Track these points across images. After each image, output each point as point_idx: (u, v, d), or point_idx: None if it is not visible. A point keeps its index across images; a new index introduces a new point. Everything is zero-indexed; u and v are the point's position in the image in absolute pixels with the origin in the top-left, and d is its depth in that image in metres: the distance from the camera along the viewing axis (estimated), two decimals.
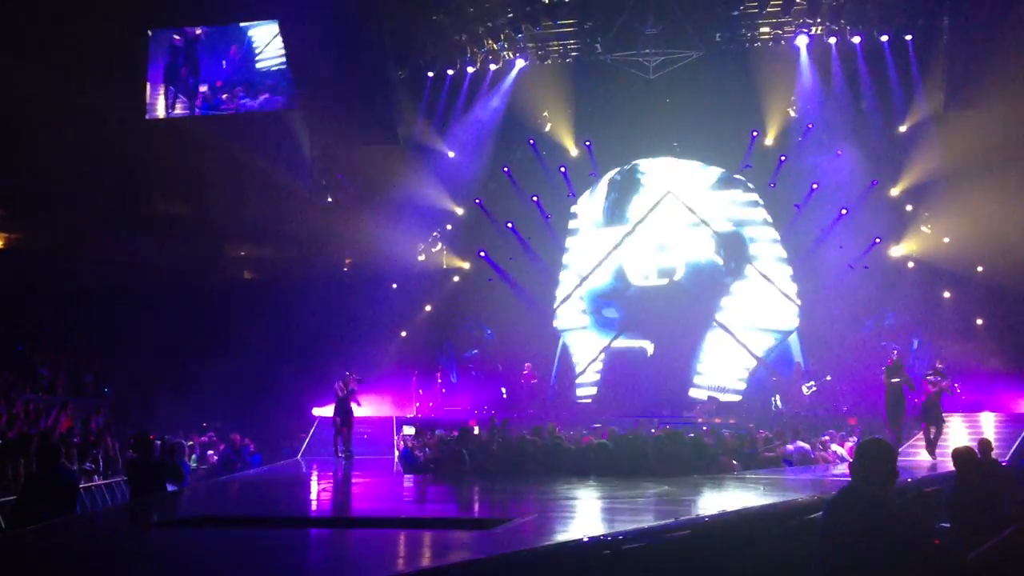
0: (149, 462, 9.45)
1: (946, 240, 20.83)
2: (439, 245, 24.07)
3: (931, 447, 13.86)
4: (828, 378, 19.88)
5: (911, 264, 21.37)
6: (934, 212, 20.87)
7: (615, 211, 22.93)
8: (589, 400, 21.17)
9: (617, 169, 23.14)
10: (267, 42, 19.39)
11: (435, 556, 5.66)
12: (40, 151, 20.88)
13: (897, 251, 21.49)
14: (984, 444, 10.27)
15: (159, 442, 10.76)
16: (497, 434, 14.48)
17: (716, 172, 22.56)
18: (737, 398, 20.77)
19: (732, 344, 21.43)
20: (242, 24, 20.90)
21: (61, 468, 7.91)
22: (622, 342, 21.80)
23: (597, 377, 21.77)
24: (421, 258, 23.61)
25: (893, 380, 14.49)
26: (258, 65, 20.18)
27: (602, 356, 21.86)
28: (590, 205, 23.33)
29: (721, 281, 21.97)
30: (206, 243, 24.20)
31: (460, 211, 23.50)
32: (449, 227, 23.81)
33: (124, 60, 21.55)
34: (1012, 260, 19.20)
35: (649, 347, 21.50)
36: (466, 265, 23.66)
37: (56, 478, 7.67)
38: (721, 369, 21.34)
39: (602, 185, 23.21)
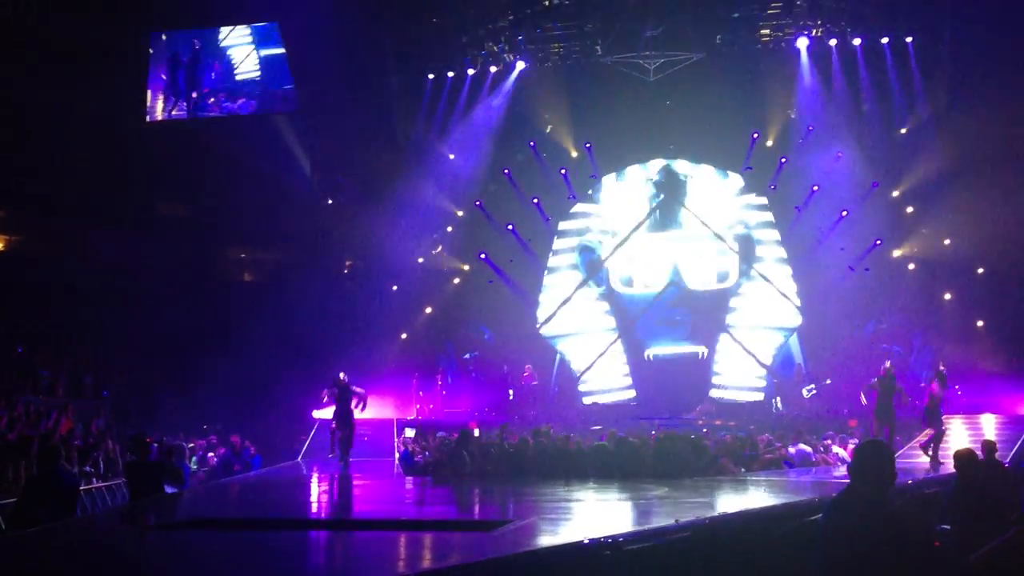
0: (146, 464, 9.43)
1: (947, 242, 20.83)
2: (439, 247, 24.04)
3: (933, 452, 13.80)
4: (828, 381, 19.85)
5: (912, 266, 21.36)
6: (935, 214, 20.85)
7: (667, 215, 22.10)
8: (635, 404, 20.78)
9: (641, 166, 22.45)
10: (241, 60, 22.63)
11: (435, 558, 5.65)
12: (41, 153, 20.90)
13: (898, 253, 21.47)
14: (989, 445, 10.19)
15: (156, 444, 10.75)
16: (497, 438, 14.45)
17: (739, 178, 22.20)
18: (760, 396, 20.61)
19: (750, 345, 21.15)
20: (221, 44, 22.79)
21: (61, 471, 7.89)
22: (684, 347, 21.25)
23: (629, 380, 21.33)
24: (421, 260, 23.54)
25: (883, 400, 14.21)
26: (237, 77, 22.74)
27: (639, 359, 21.36)
28: (630, 206, 22.25)
29: (736, 282, 21.86)
30: (207, 245, 24.20)
31: (460, 213, 23.50)
32: (449, 229, 23.79)
33: (124, 63, 21.61)
34: (1013, 262, 19.18)
35: (704, 351, 21.15)
36: (466, 267, 23.63)
37: (56, 481, 7.65)
38: (743, 369, 21.16)
39: (639, 185, 22.40)
